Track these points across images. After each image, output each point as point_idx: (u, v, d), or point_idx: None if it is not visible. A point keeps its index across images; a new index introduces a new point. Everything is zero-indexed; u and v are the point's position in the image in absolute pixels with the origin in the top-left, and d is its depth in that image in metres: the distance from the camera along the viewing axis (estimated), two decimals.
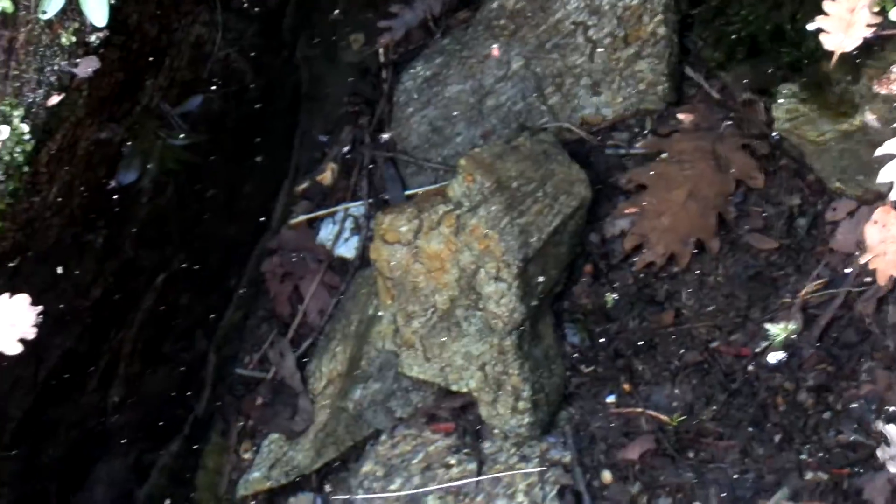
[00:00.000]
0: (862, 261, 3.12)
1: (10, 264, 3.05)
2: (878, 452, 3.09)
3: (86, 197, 3.21)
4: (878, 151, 3.05)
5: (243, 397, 3.51)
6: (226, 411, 3.50)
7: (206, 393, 3.48)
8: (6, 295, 2.94)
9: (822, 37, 3.20)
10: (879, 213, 3.08)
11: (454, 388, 3.35)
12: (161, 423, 3.42)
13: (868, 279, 3.23)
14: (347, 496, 3.36)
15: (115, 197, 3.29)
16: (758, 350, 3.30)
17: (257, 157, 3.60)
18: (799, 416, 3.21)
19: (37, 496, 3.25)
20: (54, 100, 3.06)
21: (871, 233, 3.08)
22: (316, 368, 3.48)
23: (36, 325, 2.92)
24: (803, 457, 3.17)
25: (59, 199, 3.11)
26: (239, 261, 3.58)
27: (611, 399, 3.35)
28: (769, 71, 3.44)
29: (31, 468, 3.22)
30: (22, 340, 2.91)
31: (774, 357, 3.27)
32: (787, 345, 3.27)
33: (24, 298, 2.94)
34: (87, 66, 3.09)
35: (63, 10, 3.01)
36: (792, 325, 3.25)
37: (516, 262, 3.25)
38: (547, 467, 3.30)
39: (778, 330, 3.25)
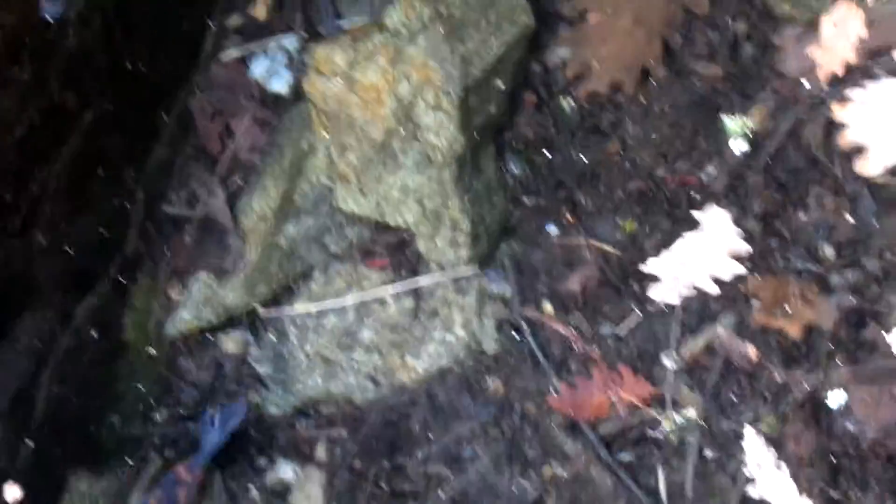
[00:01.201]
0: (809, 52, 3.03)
1: None
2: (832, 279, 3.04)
3: (10, 31, 3.05)
4: None
5: (171, 237, 3.38)
6: (153, 252, 3.38)
7: (134, 233, 3.35)
8: None
9: None
10: (842, 7, 2.98)
11: (391, 222, 3.24)
12: (87, 267, 3.29)
13: (818, 103, 3.14)
14: (281, 333, 3.26)
15: (41, 31, 3.14)
16: (703, 177, 3.20)
17: None
18: (747, 243, 3.12)
19: None
20: None
21: (826, 27, 2.99)
22: (247, 205, 3.36)
23: None
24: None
25: None
26: (167, 98, 3.44)
27: (553, 231, 3.25)
28: None
29: None
30: None
31: (720, 184, 3.18)
32: (730, 171, 3.17)
33: None
34: None
35: None
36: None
37: (457, 91, 3.14)
38: (486, 301, 3.20)
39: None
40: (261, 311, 3.29)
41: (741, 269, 3.02)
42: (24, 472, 3.11)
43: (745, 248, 2.99)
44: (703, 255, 3.04)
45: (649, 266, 3.03)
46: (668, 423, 3.04)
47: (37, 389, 3.18)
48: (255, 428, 3.23)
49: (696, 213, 2.98)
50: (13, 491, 3.02)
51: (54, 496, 3.18)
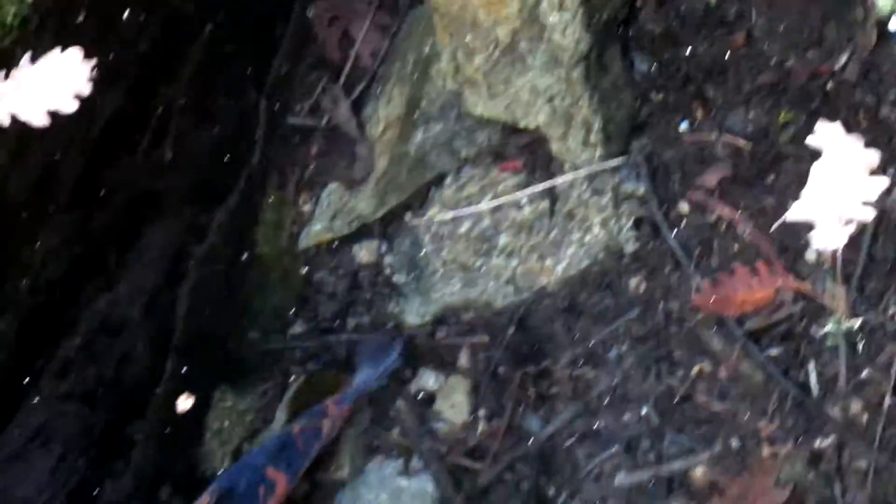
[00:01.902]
0: None
1: (55, 18, 2.87)
2: None
3: None
4: None
5: (298, 148, 3.37)
6: (281, 164, 3.36)
7: (259, 146, 3.33)
8: (56, 50, 2.76)
9: None
10: None
11: (521, 124, 3.22)
12: (215, 181, 3.28)
13: None
14: (415, 241, 3.25)
15: None
16: (836, 67, 3.16)
17: None
18: (882, 131, 3.09)
19: (93, 259, 3.12)
20: None
21: None
22: (372, 113, 3.34)
23: (90, 80, 2.74)
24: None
25: None
26: (284, 6, 3.40)
27: (683, 126, 3.23)
28: None
29: (87, 232, 3.08)
30: (77, 97, 2.74)
31: (853, 73, 3.14)
32: (864, 61, 3.13)
33: (76, 52, 2.77)
34: None
35: None
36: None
37: None
38: (621, 199, 3.19)
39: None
40: (395, 219, 3.27)
41: (885, 181, 2.96)
42: (169, 390, 3.14)
43: (876, 157, 2.91)
44: (842, 184, 2.98)
45: (794, 213, 2.96)
46: (817, 316, 3.04)
47: (174, 304, 3.19)
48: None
49: (812, 142, 2.89)
50: (186, 402, 3.06)
51: (200, 413, 3.20)
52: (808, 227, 2.67)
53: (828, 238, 2.81)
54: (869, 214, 2.77)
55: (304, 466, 2.98)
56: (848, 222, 2.80)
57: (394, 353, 3.15)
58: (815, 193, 2.81)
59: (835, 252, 3.01)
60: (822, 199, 2.81)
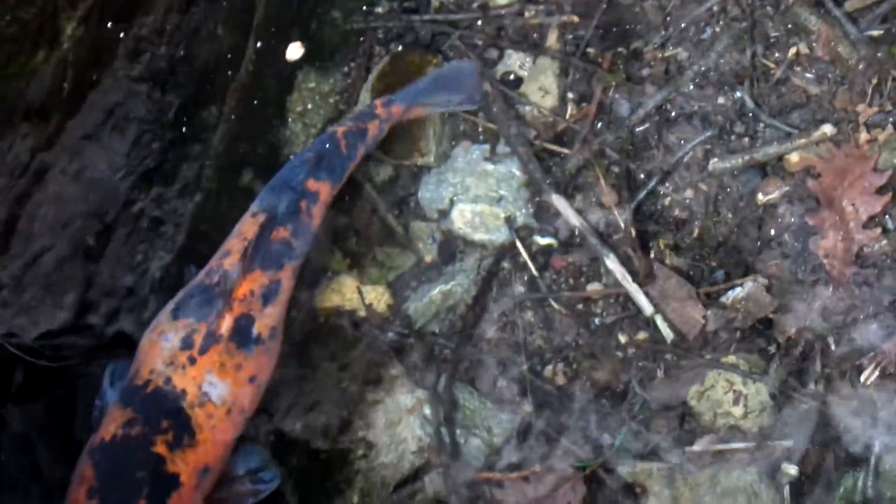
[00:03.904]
0: None
1: None
2: None
3: None
4: None
5: None
6: None
7: None
8: None
9: None
10: None
11: None
12: None
13: None
14: None
15: None
16: None
17: None
18: None
19: None
20: None
21: None
22: None
23: None
24: None
25: None
26: None
27: None
28: None
29: None
30: None
31: None
32: None
33: None
34: None
35: None
36: None
37: None
38: None
39: None
40: None
41: None
42: (250, 72, 3.08)
43: None
44: None
45: None
46: None
47: None
48: (482, 19, 3.16)
49: None
50: (298, 50, 3.02)
51: (282, 95, 3.15)
52: None
53: None
54: None
55: (349, 169, 2.93)
56: None
57: (466, 73, 3.05)
58: None
59: None
60: None
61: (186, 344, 2.66)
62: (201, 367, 2.64)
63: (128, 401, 2.64)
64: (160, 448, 2.59)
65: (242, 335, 2.68)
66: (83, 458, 2.62)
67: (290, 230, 2.80)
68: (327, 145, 2.90)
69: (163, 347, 2.66)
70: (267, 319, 2.72)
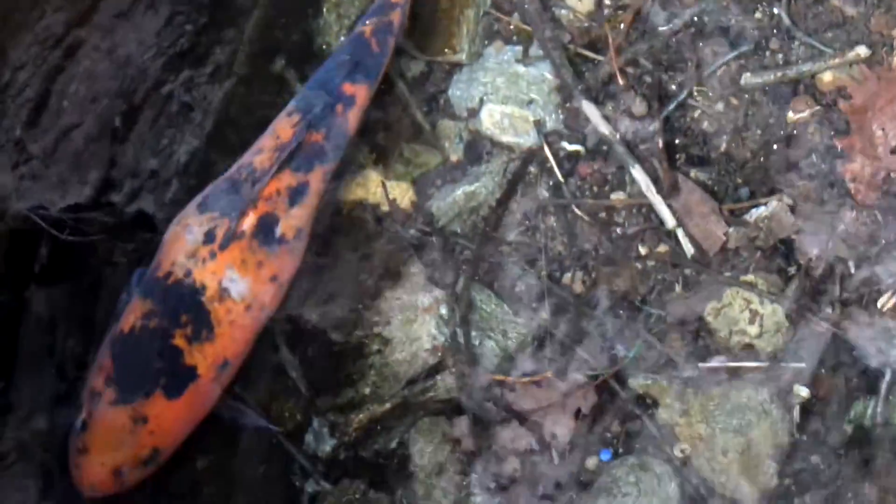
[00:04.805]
0: None
1: None
2: None
3: None
4: None
5: None
6: None
7: None
8: None
9: None
10: None
11: None
12: None
13: None
14: None
15: None
16: None
17: None
18: None
19: None
20: None
21: None
22: None
23: None
24: None
25: None
26: None
27: None
28: None
29: None
30: None
31: None
32: None
33: None
34: None
35: None
36: None
37: None
38: None
39: None
40: None
41: None
42: None
43: None
44: None
45: None
46: None
47: None
48: None
49: None
50: None
51: None
52: None
53: None
54: None
55: (384, 64, 2.92)
56: None
57: None
58: None
59: None
60: None
61: (209, 238, 2.66)
62: (221, 263, 2.65)
63: (148, 292, 2.65)
64: (179, 341, 2.61)
65: (266, 233, 2.69)
66: (104, 348, 2.64)
67: (323, 133, 2.79)
68: (360, 47, 2.89)
69: (186, 240, 2.67)
70: (292, 220, 2.72)
